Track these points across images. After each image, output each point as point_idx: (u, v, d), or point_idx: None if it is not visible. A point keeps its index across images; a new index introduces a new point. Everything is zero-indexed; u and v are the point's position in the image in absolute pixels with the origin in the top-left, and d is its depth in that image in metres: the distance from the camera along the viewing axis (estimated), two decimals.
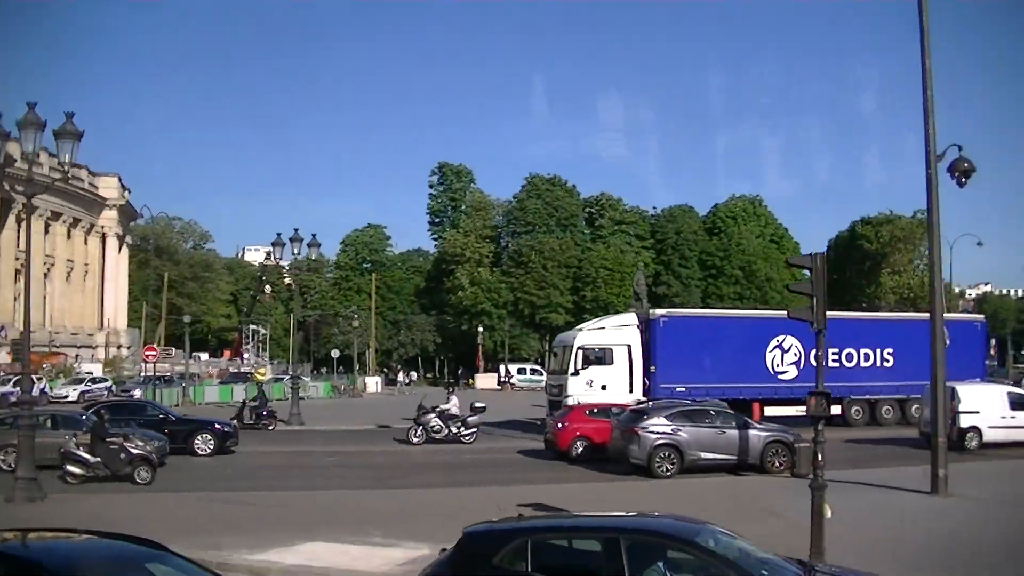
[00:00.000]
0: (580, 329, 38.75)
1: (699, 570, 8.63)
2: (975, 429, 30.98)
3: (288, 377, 53.72)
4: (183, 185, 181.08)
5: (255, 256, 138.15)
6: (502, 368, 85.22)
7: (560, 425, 29.09)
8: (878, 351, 38.01)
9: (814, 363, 35.17)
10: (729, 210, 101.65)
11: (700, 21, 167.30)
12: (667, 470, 24.34)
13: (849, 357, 37.50)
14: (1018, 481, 21.63)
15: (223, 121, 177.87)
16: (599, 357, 34.39)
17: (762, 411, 34.48)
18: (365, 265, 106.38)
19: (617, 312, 55.85)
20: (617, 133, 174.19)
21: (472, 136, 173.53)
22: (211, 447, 29.00)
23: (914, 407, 35.76)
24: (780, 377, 35.15)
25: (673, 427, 25.12)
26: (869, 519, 16.01)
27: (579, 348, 34.44)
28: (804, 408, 33.04)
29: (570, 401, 32.72)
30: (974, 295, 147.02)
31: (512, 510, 13.34)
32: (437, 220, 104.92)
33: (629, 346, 34.57)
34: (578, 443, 28.35)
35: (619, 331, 35.65)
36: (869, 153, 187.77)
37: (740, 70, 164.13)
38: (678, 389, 33.32)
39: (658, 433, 24.76)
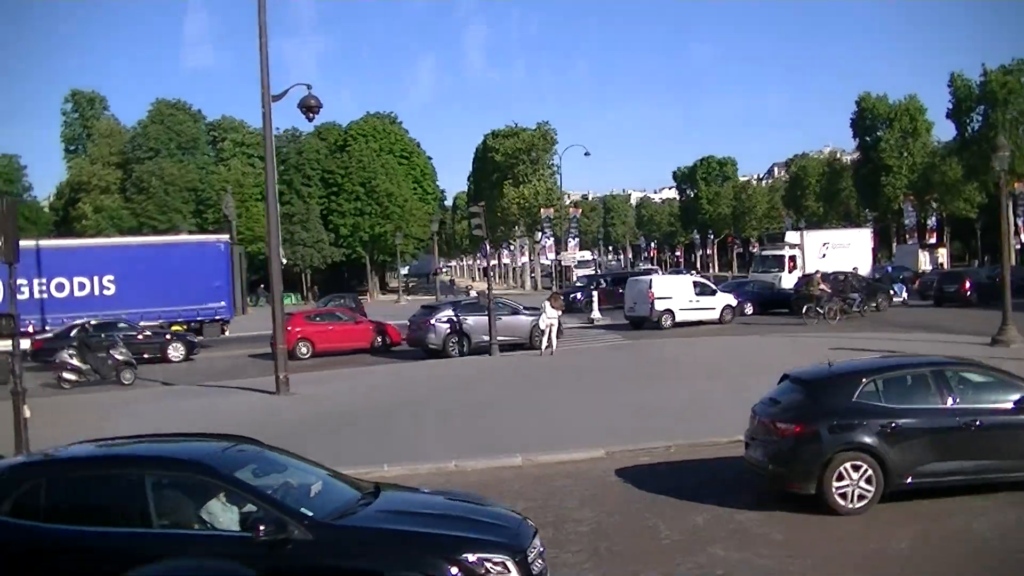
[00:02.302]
0: None
1: None
2: (669, 312, 37.58)
3: None
4: None
5: None
6: None
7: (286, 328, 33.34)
8: (95, 279, 37.88)
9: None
10: (360, 128, 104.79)
11: None
12: (456, 352, 31.55)
13: (60, 287, 37.39)
14: (345, 381, 27.22)
15: None
16: None
17: None
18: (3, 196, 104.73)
19: None
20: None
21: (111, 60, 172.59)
22: (181, 354, 35.13)
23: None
24: None
25: (460, 317, 32.07)
26: (228, 413, 20.93)
27: None
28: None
29: None
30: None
31: None
32: (72, 148, 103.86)
33: None
34: (301, 345, 33.59)
35: None
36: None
37: None
38: None
39: (449, 323, 32.11)
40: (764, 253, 56.07)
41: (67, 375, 27.61)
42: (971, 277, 46.35)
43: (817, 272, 40.78)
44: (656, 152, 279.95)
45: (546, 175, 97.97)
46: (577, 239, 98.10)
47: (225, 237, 45.26)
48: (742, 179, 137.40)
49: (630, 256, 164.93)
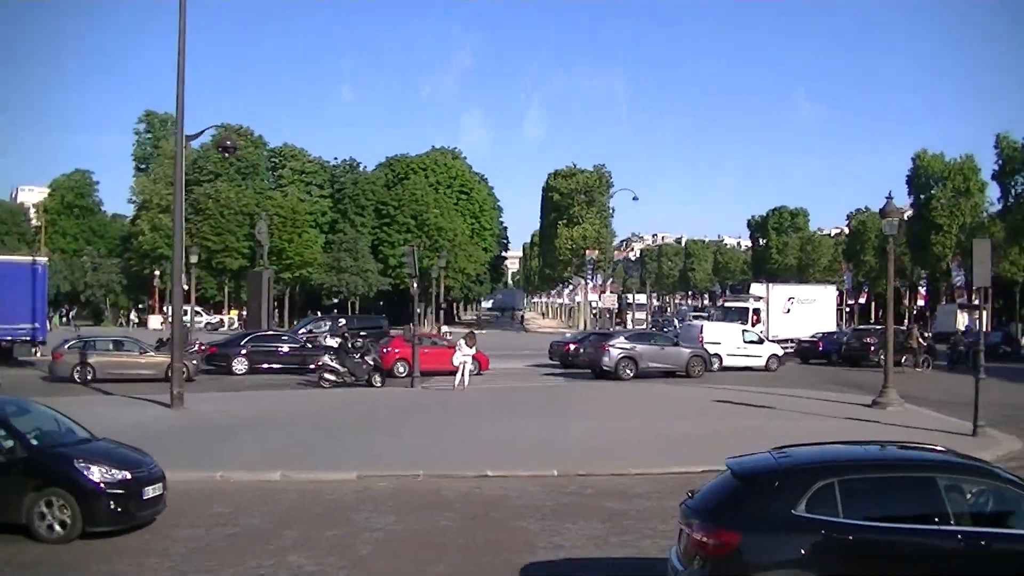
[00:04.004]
0: None
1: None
2: (717, 356, 40.34)
3: None
4: None
5: (28, 196, 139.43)
6: (167, 309, 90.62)
7: (385, 350, 36.88)
8: None
9: None
10: (421, 162, 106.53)
11: None
12: (628, 374, 35.62)
13: None
14: (247, 402, 28.48)
15: None
16: None
17: None
18: (74, 210, 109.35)
19: None
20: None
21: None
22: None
23: None
24: None
25: (631, 344, 37.00)
26: (127, 418, 22.33)
27: None
28: None
29: None
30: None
31: None
32: (143, 167, 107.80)
33: None
34: (399, 364, 36.49)
35: None
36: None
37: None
38: None
39: (621, 348, 36.49)
40: (728, 304, 54.89)
41: (327, 375, 31.64)
42: None
43: (914, 326, 45.49)
44: (740, 200, 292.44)
45: (597, 217, 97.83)
46: (611, 281, 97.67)
47: (43, 259, 44.05)
48: (812, 231, 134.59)
49: (706, 301, 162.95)
